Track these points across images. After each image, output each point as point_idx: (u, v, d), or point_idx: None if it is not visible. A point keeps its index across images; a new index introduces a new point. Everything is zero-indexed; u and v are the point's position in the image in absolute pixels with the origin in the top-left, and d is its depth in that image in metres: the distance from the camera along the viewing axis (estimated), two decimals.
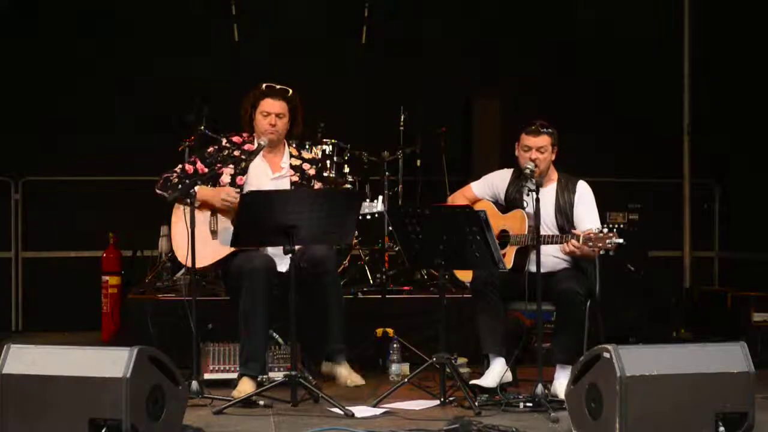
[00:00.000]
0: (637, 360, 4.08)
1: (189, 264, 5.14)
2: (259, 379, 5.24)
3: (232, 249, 5.32)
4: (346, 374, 5.48)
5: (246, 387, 5.19)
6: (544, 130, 5.42)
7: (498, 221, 5.42)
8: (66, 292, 7.96)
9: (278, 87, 5.61)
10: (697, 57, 8.69)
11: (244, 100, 5.62)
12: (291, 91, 5.62)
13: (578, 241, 5.12)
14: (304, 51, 8.09)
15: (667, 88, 8.64)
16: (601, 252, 5.10)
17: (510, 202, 5.54)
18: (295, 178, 5.60)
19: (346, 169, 7.17)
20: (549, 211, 5.40)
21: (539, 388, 4.95)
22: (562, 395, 4.87)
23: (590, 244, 5.09)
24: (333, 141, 7.12)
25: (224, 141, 5.61)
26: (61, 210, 8.12)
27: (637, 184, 8.43)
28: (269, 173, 5.59)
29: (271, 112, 5.51)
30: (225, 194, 5.39)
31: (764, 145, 7.94)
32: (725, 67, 8.47)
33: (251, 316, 5.25)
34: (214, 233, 5.45)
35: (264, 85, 5.61)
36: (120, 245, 7.62)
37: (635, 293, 7.16)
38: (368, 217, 5.39)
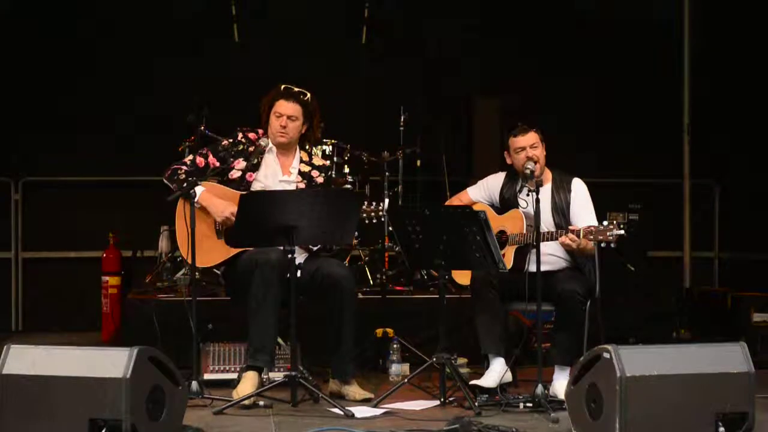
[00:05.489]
0: (637, 360, 4.08)
1: (191, 262, 5.12)
2: (263, 375, 5.15)
3: (238, 249, 5.28)
4: (356, 391, 5.29)
5: (249, 383, 5.10)
6: (531, 128, 5.45)
7: (495, 222, 5.41)
8: (66, 292, 7.97)
9: (296, 89, 5.52)
10: (697, 57, 8.68)
11: (263, 98, 5.54)
12: (309, 95, 5.53)
13: (578, 235, 5.13)
14: (304, 51, 8.08)
15: (667, 88, 8.64)
16: (602, 245, 5.11)
17: (505, 203, 5.55)
18: (302, 185, 5.54)
19: (346, 169, 7.17)
20: (546, 212, 5.40)
21: (539, 388, 4.95)
22: (561, 395, 4.87)
23: (591, 237, 5.10)
24: (333, 141, 7.12)
25: (240, 135, 5.51)
26: (61, 210, 8.13)
27: (637, 184, 8.44)
28: (279, 174, 5.53)
29: (284, 114, 5.44)
30: (230, 213, 5.24)
31: (764, 145, 7.94)
32: (725, 67, 8.47)
33: (263, 307, 5.11)
34: (219, 233, 5.39)
35: (282, 86, 5.53)
36: (120, 245, 7.62)
37: (635, 293, 7.16)
38: (374, 221, 5.35)
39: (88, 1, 8.12)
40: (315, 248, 5.47)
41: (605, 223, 5.09)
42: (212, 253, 5.37)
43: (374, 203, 5.34)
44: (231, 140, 5.52)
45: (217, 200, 5.35)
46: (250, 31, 7.95)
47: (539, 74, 8.38)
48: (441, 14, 8.32)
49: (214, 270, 5.51)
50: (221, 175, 5.46)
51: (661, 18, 8.61)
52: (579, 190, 5.48)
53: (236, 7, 7.88)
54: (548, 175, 5.52)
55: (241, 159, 5.44)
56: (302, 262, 5.35)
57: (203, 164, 5.42)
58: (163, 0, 8.11)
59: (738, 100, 8.28)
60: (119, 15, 8.07)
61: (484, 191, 5.67)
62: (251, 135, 5.52)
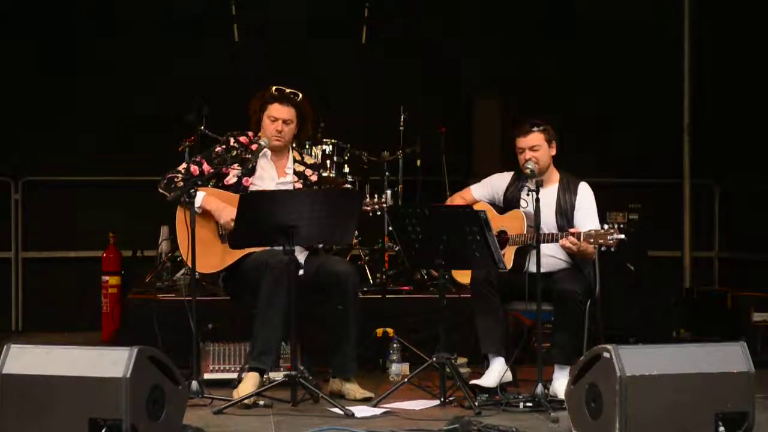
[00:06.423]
0: (637, 360, 4.08)
1: (194, 267, 5.11)
2: (264, 377, 5.13)
3: (242, 254, 5.25)
4: (356, 389, 5.29)
5: (250, 383, 5.08)
6: (534, 128, 5.40)
7: (496, 222, 5.41)
8: (66, 292, 7.97)
9: (288, 91, 5.49)
10: (697, 57, 8.68)
11: (252, 100, 5.52)
12: (301, 96, 5.50)
13: (578, 238, 5.12)
14: (304, 51, 8.09)
15: (667, 88, 8.64)
16: (602, 249, 5.10)
17: (508, 203, 5.54)
18: (299, 185, 5.54)
19: (346, 169, 7.17)
20: (549, 213, 5.38)
21: (539, 388, 4.95)
22: (561, 395, 4.87)
23: (591, 240, 5.09)
24: (333, 141, 7.12)
25: (232, 141, 5.49)
26: (61, 210, 8.12)
27: (637, 184, 8.44)
28: (275, 177, 5.52)
29: (279, 118, 5.41)
30: (233, 218, 5.15)
31: (764, 145, 7.94)
32: (725, 67, 8.47)
33: (271, 307, 5.07)
34: (222, 237, 5.36)
35: (274, 88, 5.49)
36: (120, 245, 7.62)
37: (635, 293, 7.16)
38: (378, 213, 5.36)
39: (88, 1, 8.12)
40: (319, 246, 5.47)
41: (605, 226, 5.07)
42: (214, 257, 5.34)
43: (375, 196, 5.34)
44: (224, 146, 5.49)
45: (220, 204, 5.31)
46: (250, 31, 7.95)
47: (539, 74, 8.38)
48: (441, 14, 8.32)
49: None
50: (217, 181, 5.45)
51: (661, 18, 8.61)
52: (585, 194, 5.45)
53: (236, 7, 7.88)
54: (555, 175, 5.49)
55: (236, 164, 5.42)
56: (303, 261, 5.35)
57: (197, 172, 5.38)
58: (163, 0, 8.11)
59: (738, 100, 8.28)
60: (119, 15, 8.07)
61: (487, 189, 5.64)
62: (242, 139, 5.50)
